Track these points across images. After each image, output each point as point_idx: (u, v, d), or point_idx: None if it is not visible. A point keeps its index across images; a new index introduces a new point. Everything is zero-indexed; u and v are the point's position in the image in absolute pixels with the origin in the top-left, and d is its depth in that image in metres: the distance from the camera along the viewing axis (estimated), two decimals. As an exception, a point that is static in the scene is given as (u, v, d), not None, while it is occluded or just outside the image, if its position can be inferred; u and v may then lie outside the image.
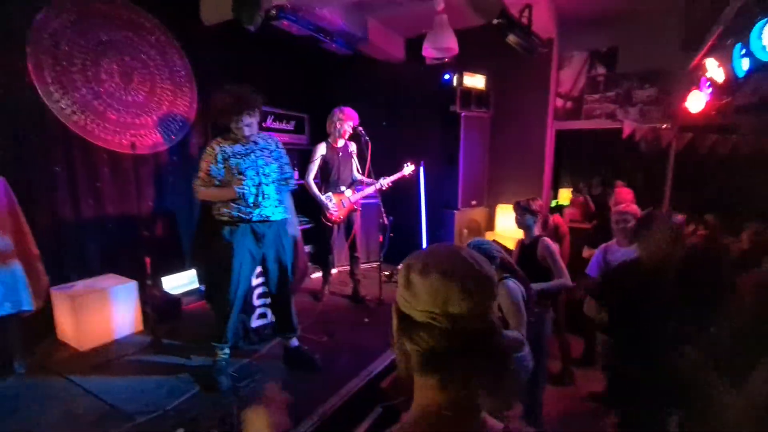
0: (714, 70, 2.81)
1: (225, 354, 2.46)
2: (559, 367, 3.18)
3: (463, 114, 4.21)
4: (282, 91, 4.52)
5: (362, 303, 3.62)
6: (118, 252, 3.31)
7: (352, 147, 3.58)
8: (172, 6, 3.51)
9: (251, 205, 2.40)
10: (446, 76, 4.22)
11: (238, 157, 2.38)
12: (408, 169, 3.63)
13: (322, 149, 3.46)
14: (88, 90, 3.08)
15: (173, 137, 3.62)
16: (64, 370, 2.54)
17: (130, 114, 3.34)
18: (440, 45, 3.71)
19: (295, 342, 2.68)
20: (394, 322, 0.67)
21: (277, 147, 2.55)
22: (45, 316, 2.88)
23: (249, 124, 2.36)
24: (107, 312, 2.90)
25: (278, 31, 3.40)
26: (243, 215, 2.39)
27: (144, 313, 3.09)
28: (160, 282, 3.44)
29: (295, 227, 2.72)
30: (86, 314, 2.80)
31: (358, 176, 3.65)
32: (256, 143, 2.45)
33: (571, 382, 3.16)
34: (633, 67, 4.01)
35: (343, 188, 3.54)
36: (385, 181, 3.51)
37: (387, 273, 4.23)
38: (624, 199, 3.29)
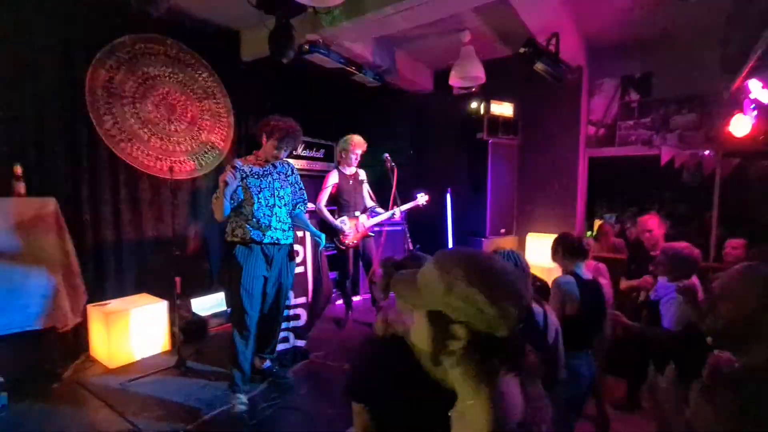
0: (758, 91, 2.68)
1: (243, 404, 2.35)
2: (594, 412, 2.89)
3: (490, 141, 4.21)
4: (313, 120, 4.68)
5: (386, 331, 3.53)
6: (153, 272, 3.44)
7: (363, 175, 3.67)
8: (215, 46, 3.81)
9: (263, 226, 2.42)
10: (473, 104, 4.25)
11: (255, 177, 2.44)
12: (422, 198, 3.65)
13: (334, 177, 3.56)
14: (135, 119, 3.34)
15: (209, 164, 3.82)
16: (94, 387, 2.60)
17: (172, 142, 3.58)
18: (467, 74, 3.79)
19: (268, 363, 2.72)
20: (462, 342, 0.73)
21: (293, 172, 2.65)
22: (83, 332, 3.01)
23: (286, 154, 2.54)
24: (137, 331, 2.98)
25: (311, 64, 3.58)
26: (256, 237, 2.41)
27: (172, 333, 3.15)
28: (190, 303, 3.52)
29: (318, 237, 2.75)
30: (117, 332, 2.89)
31: (371, 203, 3.70)
32: (274, 166, 2.54)
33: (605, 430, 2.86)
34: (669, 92, 3.89)
35: (357, 213, 3.60)
36: (398, 210, 3.49)
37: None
38: (647, 227, 3.06)
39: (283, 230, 2.53)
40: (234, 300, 2.44)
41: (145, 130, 3.40)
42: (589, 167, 4.41)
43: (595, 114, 4.32)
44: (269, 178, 2.49)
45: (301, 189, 2.67)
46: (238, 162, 2.42)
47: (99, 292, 3.15)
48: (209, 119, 3.84)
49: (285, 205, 2.54)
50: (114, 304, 3.05)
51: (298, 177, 2.68)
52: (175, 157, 3.59)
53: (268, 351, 2.72)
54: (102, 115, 3.15)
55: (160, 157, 3.50)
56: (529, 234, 4.33)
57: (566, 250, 2.13)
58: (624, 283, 3.13)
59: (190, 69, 3.69)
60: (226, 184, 2.25)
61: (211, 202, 2.42)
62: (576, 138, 4.22)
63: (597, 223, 5.05)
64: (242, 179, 2.38)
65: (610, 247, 4.08)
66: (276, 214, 2.48)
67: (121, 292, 3.26)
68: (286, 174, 2.60)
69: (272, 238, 2.47)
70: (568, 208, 4.27)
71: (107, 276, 3.23)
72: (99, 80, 3.12)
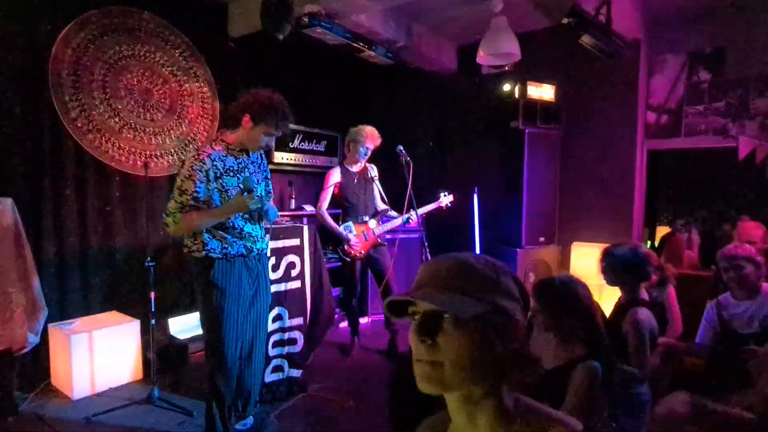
0: None
1: None
2: None
3: (527, 131, 4.16)
4: (313, 107, 4.72)
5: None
6: (124, 287, 3.50)
7: (373, 172, 3.68)
8: (198, 19, 3.87)
9: (247, 236, 2.32)
10: (506, 86, 4.22)
11: (231, 174, 2.27)
12: (445, 199, 3.66)
13: (336, 175, 3.57)
14: (105, 107, 3.41)
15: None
16: (54, 422, 2.63)
17: (148, 133, 3.64)
18: (498, 51, 3.75)
19: (250, 422, 2.54)
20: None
21: (263, 159, 2.52)
22: (43, 356, 3.06)
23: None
24: (104, 355, 3.02)
25: (310, 41, 3.60)
26: (239, 250, 2.30)
27: (145, 358, 3.17)
28: (167, 323, 3.56)
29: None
30: (82, 357, 2.92)
31: (383, 206, 3.70)
32: (248, 156, 2.38)
33: None
34: (748, 70, 3.80)
35: (365, 218, 3.60)
36: (416, 214, 3.45)
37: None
38: (751, 237, 3.04)
39: (264, 237, 2.49)
40: (214, 333, 2.30)
41: (117, 119, 3.47)
42: (648, 162, 4.33)
43: (655, 98, 4.25)
44: (246, 173, 2.33)
45: (268, 178, 2.56)
46: (207, 160, 2.19)
47: (61, 309, 3.20)
48: (191, 106, 3.89)
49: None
50: (78, 323, 3.09)
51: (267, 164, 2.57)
52: (150, 150, 3.64)
53: (247, 408, 2.56)
54: (67, 102, 3.21)
55: (134, 150, 3.55)
56: (575, 243, 4.27)
57: (635, 276, 2.11)
58: None
59: (169, 47, 3.75)
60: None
61: (168, 211, 2.15)
62: (632, 127, 4.16)
63: (661, 231, 4.95)
64: (216, 179, 2.22)
65: (689, 263, 4.00)
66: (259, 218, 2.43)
67: (86, 310, 3.31)
68: (259, 164, 2.46)
69: (257, 249, 2.41)
70: (623, 213, 4.19)
71: (71, 290, 3.28)
72: (64, 62, 3.19)
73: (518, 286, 0.75)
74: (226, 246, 2.27)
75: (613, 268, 2.16)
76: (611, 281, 2.22)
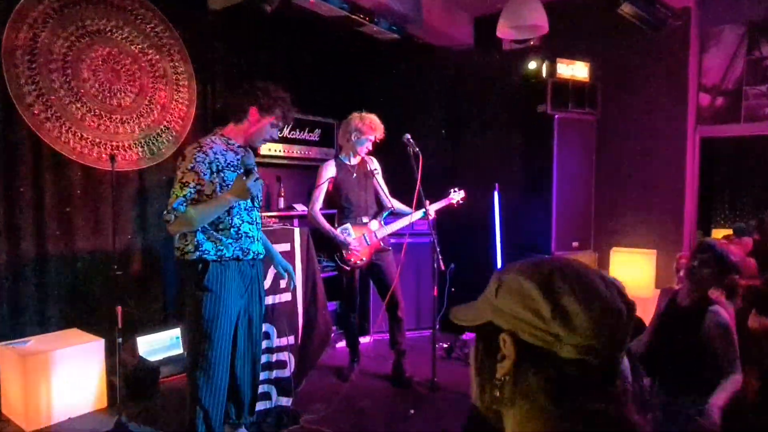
0: None
1: None
2: None
3: (556, 116, 4.14)
4: (306, 90, 4.70)
5: (407, 386, 3.50)
6: (87, 300, 3.50)
7: (374, 165, 3.69)
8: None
9: (243, 237, 2.42)
10: (531, 64, 4.20)
11: (232, 169, 2.39)
12: (456, 195, 3.69)
13: (330, 170, 3.56)
14: (66, 91, 3.40)
15: (164, 150, 3.87)
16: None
17: (114, 121, 3.64)
18: (522, 23, 3.77)
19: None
20: (509, 362, 0.70)
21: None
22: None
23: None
24: (64, 380, 2.99)
25: (303, 13, 3.59)
26: (235, 253, 2.40)
27: (110, 383, 3.16)
28: (135, 343, 3.53)
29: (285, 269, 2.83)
30: (36, 381, 2.90)
31: (388, 203, 3.68)
32: (245, 151, 2.50)
33: None
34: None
35: (365, 219, 3.59)
36: (427, 213, 3.45)
37: (445, 345, 4.11)
38: None
39: (259, 239, 2.56)
40: (201, 344, 2.36)
41: (79, 104, 3.48)
42: (701, 153, 4.28)
43: (709, 77, 4.22)
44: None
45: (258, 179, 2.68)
46: (209, 151, 2.33)
47: (14, 327, 3.19)
48: (164, 89, 3.90)
49: (259, 205, 2.57)
50: (34, 342, 3.08)
51: None
52: (117, 140, 3.66)
53: (245, 413, 2.66)
54: (22, 86, 3.22)
55: (99, 141, 3.55)
56: (614, 249, 4.25)
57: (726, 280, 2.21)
58: (756, 320, 2.98)
59: (139, 21, 3.76)
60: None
61: (171, 210, 2.23)
62: (682, 111, 4.11)
63: (717, 234, 4.86)
64: (218, 172, 2.33)
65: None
66: (255, 219, 2.52)
67: (43, 327, 3.30)
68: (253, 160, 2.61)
69: (254, 252, 2.49)
70: (672, 213, 4.16)
71: (26, 304, 3.28)
72: (19, 39, 3.20)
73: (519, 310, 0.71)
74: (221, 248, 2.36)
75: (712, 265, 2.19)
76: (700, 280, 2.24)
